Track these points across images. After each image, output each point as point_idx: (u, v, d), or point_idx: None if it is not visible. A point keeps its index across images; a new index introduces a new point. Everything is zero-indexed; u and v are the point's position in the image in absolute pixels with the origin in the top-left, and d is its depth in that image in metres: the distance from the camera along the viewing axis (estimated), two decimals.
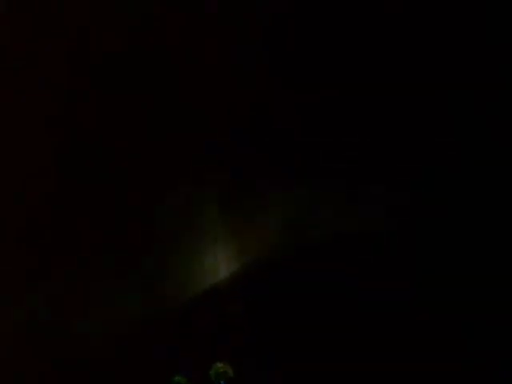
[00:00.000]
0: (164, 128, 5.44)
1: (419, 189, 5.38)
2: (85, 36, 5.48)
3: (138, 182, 5.39)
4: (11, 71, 5.32)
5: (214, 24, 5.44)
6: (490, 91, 5.44)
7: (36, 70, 5.45)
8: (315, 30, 5.45)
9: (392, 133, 5.45)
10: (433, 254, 5.26)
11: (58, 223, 5.25)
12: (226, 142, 5.41)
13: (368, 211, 5.41)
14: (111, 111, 5.47)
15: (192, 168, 5.44)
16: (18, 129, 5.39)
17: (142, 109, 5.43)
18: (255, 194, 5.47)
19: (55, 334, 5.13)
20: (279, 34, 5.47)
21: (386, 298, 5.23)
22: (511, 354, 5.01)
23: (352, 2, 5.49)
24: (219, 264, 5.45)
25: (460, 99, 5.44)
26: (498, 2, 5.32)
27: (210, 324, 5.20)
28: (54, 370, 5.15)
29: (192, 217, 5.46)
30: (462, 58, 5.57)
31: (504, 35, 5.44)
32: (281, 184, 5.51)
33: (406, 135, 5.48)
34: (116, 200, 5.37)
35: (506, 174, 5.36)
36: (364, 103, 5.44)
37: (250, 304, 5.25)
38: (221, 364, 4.62)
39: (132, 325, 5.22)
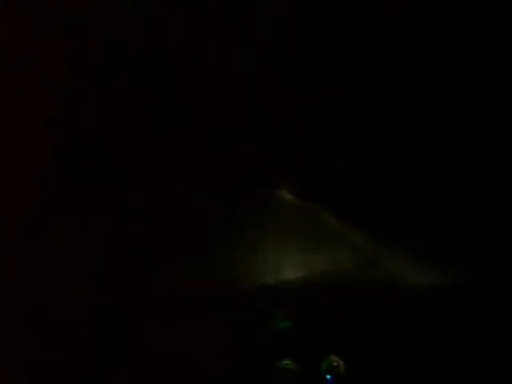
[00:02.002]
0: (166, 129, 5.44)
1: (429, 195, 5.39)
2: (85, 36, 5.48)
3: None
4: (11, 71, 5.33)
5: (214, 24, 5.45)
6: (489, 92, 5.46)
7: (36, 70, 5.46)
8: (315, 30, 5.46)
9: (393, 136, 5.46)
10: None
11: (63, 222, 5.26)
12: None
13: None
14: (112, 111, 5.48)
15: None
16: (17, 128, 5.39)
17: (144, 109, 5.43)
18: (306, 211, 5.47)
19: None
20: (279, 34, 5.48)
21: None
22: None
23: (352, 2, 5.51)
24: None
25: (461, 100, 5.45)
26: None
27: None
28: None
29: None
30: (462, 58, 5.58)
31: (504, 35, 5.46)
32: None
33: (408, 137, 5.50)
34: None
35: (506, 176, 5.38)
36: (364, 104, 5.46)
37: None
38: (336, 358, 4.45)
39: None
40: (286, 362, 4.51)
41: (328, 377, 4.45)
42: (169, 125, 5.45)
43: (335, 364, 4.40)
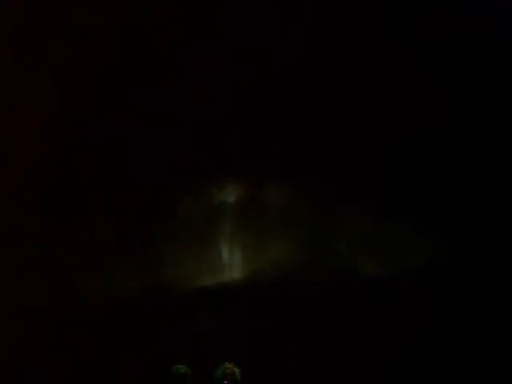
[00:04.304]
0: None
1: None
2: (85, 35, 5.50)
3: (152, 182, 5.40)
4: (14, 75, 5.37)
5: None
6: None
7: (38, 71, 5.48)
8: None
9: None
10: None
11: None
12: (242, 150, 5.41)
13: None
14: (113, 111, 5.49)
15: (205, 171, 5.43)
16: (21, 127, 5.42)
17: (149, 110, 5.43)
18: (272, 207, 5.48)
19: None
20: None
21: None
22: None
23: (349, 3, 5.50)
24: (228, 265, 5.47)
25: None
26: None
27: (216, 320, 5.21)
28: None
29: (208, 219, 5.47)
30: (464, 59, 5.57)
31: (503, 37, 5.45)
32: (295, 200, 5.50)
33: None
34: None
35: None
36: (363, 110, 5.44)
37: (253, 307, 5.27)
38: (229, 365, 4.53)
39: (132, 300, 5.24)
40: (179, 366, 4.57)
41: (225, 382, 4.54)
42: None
43: (229, 371, 4.48)
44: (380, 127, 5.51)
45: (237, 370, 4.51)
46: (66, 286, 5.33)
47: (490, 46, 5.53)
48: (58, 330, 5.27)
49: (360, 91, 5.53)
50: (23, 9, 5.44)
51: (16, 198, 5.39)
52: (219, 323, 5.37)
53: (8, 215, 5.35)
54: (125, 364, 5.17)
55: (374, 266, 5.33)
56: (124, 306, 5.25)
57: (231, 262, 5.57)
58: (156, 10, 5.52)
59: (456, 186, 5.45)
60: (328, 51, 5.48)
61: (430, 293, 5.34)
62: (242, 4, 5.46)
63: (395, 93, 5.50)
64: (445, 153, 5.48)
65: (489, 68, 5.52)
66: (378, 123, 5.52)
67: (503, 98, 5.47)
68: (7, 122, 5.41)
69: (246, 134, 5.49)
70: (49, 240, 5.34)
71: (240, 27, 5.44)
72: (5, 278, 5.29)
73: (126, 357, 5.20)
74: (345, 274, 5.28)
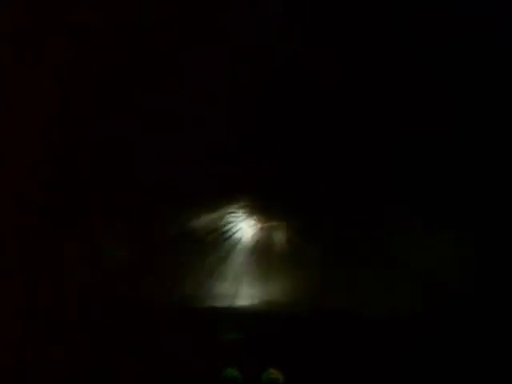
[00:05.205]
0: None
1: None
2: (85, 36, 5.52)
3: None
4: (15, 76, 5.39)
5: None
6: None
7: (38, 71, 5.51)
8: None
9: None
10: None
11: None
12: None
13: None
14: (114, 112, 5.52)
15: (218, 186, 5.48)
16: (21, 127, 5.45)
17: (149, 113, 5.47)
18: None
19: None
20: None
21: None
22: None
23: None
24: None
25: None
26: None
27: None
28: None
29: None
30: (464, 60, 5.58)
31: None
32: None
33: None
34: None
35: None
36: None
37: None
38: (275, 371, 4.69)
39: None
40: (230, 370, 4.72)
41: None
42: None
43: (273, 376, 4.66)
44: (382, 127, 5.53)
45: (280, 376, 4.66)
46: (66, 285, 5.35)
47: (490, 46, 5.54)
48: (58, 329, 5.28)
49: (360, 91, 5.55)
50: (23, 9, 5.45)
51: (16, 197, 5.41)
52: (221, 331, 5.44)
53: (8, 215, 5.36)
54: (125, 364, 5.20)
55: (384, 304, 5.37)
56: (124, 306, 5.28)
57: (231, 261, 5.60)
58: (156, 9, 5.53)
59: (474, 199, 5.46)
60: (328, 51, 5.49)
61: (446, 334, 5.38)
62: (241, 4, 5.48)
63: (396, 93, 5.51)
64: (452, 157, 5.50)
65: (489, 68, 5.53)
66: (379, 123, 5.54)
67: (503, 98, 5.48)
68: (7, 121, 5.42)
69: (246, 134, 5.51)
70: (49, 240, 5.36)
71: (240, 27, 5.45)
72: (5, 277, 5.31)
73: (126, 357, 5.23)
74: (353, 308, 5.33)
